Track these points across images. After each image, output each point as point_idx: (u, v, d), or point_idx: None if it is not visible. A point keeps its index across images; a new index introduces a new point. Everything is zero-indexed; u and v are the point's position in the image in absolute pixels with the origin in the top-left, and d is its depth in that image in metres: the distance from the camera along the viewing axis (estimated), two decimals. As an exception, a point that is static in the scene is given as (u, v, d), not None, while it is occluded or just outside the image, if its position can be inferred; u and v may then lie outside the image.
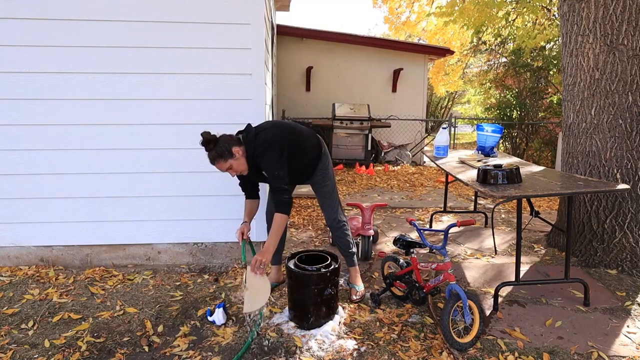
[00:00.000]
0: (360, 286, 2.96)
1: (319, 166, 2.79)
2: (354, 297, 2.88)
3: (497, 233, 4.40)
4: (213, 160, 2.46)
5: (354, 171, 8.16)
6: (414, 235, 2.98)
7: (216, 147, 2.43)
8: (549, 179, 3.07)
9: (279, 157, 2.48)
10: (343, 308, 2.78)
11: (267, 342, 2.41)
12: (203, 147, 2.45)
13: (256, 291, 2.35)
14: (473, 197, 5.07)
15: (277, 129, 2.62)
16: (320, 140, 2.84)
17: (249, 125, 2.63)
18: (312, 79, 9.44)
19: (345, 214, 2.98)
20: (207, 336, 2.48)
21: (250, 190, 2.78)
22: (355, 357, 2.30)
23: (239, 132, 2.61)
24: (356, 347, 2.39)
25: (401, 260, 2.89)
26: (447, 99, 20.45)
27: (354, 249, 3.00)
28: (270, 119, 5.27)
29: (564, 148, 3.84)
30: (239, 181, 2.78)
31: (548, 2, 8.97)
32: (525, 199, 3.28)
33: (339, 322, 2.61)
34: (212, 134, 2.47)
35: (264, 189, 2.98)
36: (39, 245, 3.33)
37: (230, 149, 2.45)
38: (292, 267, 2.58)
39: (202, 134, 2.44)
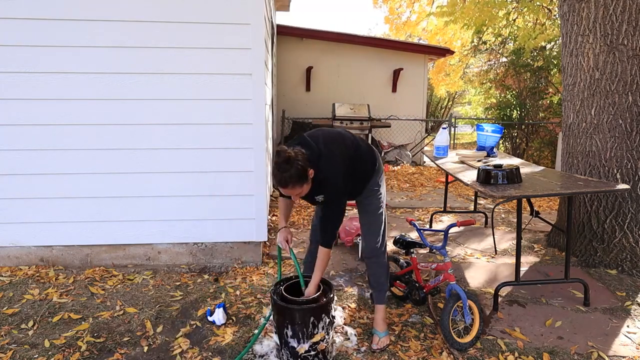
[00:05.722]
0: (383, 333, 2.42)
1: (371, 182, 2.39)
2: (374, 347, 2.36)
3: (497, 233, 4.40)
4: (287, 183, 1.99)
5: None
6: (414, 235, 2.97)
7: (293, 167, 1.96)
8: (549, 179, 3.07)
9: (344, 188, 2.15)
10: (343, 308, 2.79)
11: (267, 342, 2.41)
12: (276, 165, 1.98)
13: None
14: (473, 197, 5.07)
15: (338, 146, 2.19)
16: (374, 152, 2.44)
17: (303, 137, 2.19)
18: (312, 79, 9.42)
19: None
20: (207, 336, 2.48)
21: None
22: (355, 357, 2.30)
23: (292, 143, 2.15)
24: (356, 347, 2.39)
25: (401, 260, 2.89)
26: (447, 99, 20.45)
27: (388, 285, 2.58)
28: (270, 119, 5.28)
29: (564, 148, 3.84)
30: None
31: (549, 2, 8.96)
32: (525, 199, 3.28)
33: (340, 322, 2.61)
34: (287, 150, 1.99)
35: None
36: (39, 245, 3.33)
37: (307, 172, 2.01)
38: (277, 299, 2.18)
39: (279, 150, 2.00)
